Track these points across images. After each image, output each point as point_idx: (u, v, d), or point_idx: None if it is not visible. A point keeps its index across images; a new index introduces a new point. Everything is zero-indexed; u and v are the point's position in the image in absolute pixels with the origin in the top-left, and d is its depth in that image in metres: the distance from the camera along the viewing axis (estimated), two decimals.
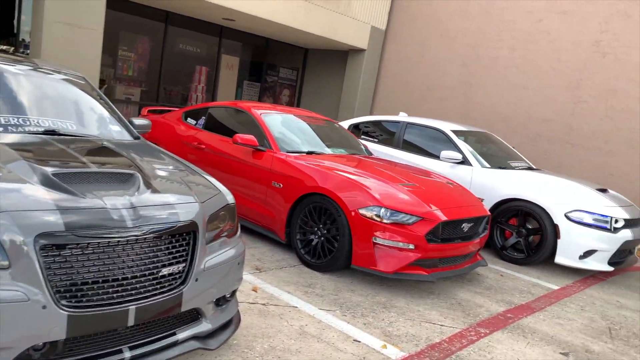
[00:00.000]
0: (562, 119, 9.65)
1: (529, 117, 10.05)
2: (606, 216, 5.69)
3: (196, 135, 5.98)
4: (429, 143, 6.99)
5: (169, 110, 7.02)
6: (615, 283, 5.94)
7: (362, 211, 4.34)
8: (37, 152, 2.60)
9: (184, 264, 2.43)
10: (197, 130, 6.04)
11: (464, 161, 6.56)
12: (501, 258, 6.11)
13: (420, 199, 4.50)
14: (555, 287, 5.36)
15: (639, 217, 6.20)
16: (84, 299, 2.08)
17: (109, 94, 10.11)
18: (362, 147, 6.24)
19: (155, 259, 2.31)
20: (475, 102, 10.77)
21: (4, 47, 8.44)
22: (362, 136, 7.65)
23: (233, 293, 2.87)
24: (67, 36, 7.18)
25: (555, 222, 5.70)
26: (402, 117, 7.60)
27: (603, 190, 6.34)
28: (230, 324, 2.86)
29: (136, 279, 2.24)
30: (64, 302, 2.03)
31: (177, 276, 2.41)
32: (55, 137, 3.02)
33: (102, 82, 9.91)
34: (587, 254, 5.66)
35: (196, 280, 2.47)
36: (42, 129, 3.06)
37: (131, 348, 2.30)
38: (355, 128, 7.84)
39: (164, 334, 2.44)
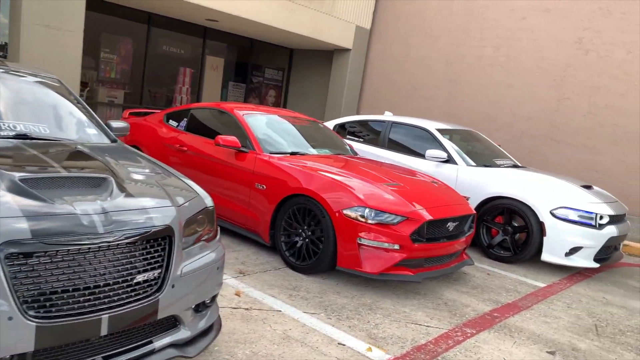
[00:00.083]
0: (546, 116, 9.69)
1: (513, 115, 10.08)
2: (591, 213, 5.70)
3: (178, 137, 5.89)
4: (414, 142, 6.96)
5: (151, 113, 6.92)
6: (601, 280, 5.95)
7: (346, 212, 4.29)
8: (6, 157, 2.51)
9: (159, 270, 2.36)
10: (179, 132, 5.95)
11: (449, 160, 6.53)
12: (488, 256, 6.10)
13: (405, 198, 4.46)
14: (542, 285, 5.35)
15: (623, 213, 6.22)
16: (54, 309, 2.00)
17: (91, 97, 9.97)
18: (347, 147, 6.19)
19: (129, 266, 2.24)
20: (460, 100, 10.78)
21: None
22: (348, 136, 7.61)
23: (213, 298, 2.80)
24: (47, 39, 7.05)
25: (541, 219, 5.70)
26: (387, 116, 7.57)
27: (588, 187, 6.35)
28: (210, 331, 2.79)
29: (109, 287, 2.16)
30: (31, 312, 1.95)
31: (153, 283, 2.34)
32: (27, 141, 2.92)
33: (84, 85, 9.77)
34: (573, 250, 5.67)
35: (173, 286, 2.40)
36: (14, 133, 2.97)
37: (105, 358, 2.22)
38: (341, 128, 7.79)
39: (140, 343, 2.36)
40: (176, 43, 11.23)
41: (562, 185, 6.09)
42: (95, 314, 2.10)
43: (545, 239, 5.69)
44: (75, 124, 3.45)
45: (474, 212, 5.04)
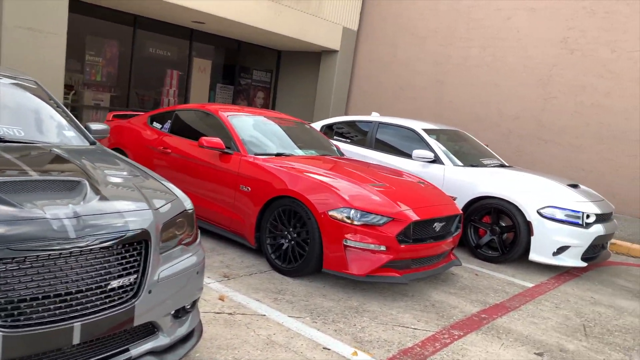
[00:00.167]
0: (533, 115, 9.71)
1: (500, 114, 10.09)
2: (577, 212, 5.69)
3: (162, 139, 5.81)
4: (401, 142, 6.93)
5: (136, 115, 6.83)
6: (589, 279, 5.94)
7: (332, 213, 4.23)
8: None
9: (135, 276, 2.29)
10: (163, 135, 5.87)
11: (436, 160, 6.51)
12: (476, 257, 6.07)
13: (391, 199, 4.42)
14: (530, 285, 5.33)
15: (610, 212, 6.22)
16: (22, 318, 1.93)
17: (77, 100, 9.85)
18: (334, 148, 6.14)
19: (103, 271, 2.16)
20: (447, 100, 10.78)
21: None
22: (336, 137, 7.56)
23: (193, 304, 2.73)
24: (29, 41, 6.94)
25: (528, 218, 5.68)
26: (374, 117, 7.54)
27: (574, 186, 6.35)
28: (191, 337, 2.72)
29: (81, 294, 2.09)
30: None
31: (128, 289, 2.27)
32: (0, 144, 2.84)
33: (70, 87, 9.65)
34: (561, 250, 5.66)
35: (150, 292, 2.33)
36: None
37: None
38: (329, 129, 7.74)
39: (116, 351, 2.29)
40: (163, 45, 11.12)
41: (548, 184, 6.08)
42: (66, 322, 2.02)
43: (532, 238, 5.67)
44: (52, 127, 3.37)
45: (461, 212, 5.01)
